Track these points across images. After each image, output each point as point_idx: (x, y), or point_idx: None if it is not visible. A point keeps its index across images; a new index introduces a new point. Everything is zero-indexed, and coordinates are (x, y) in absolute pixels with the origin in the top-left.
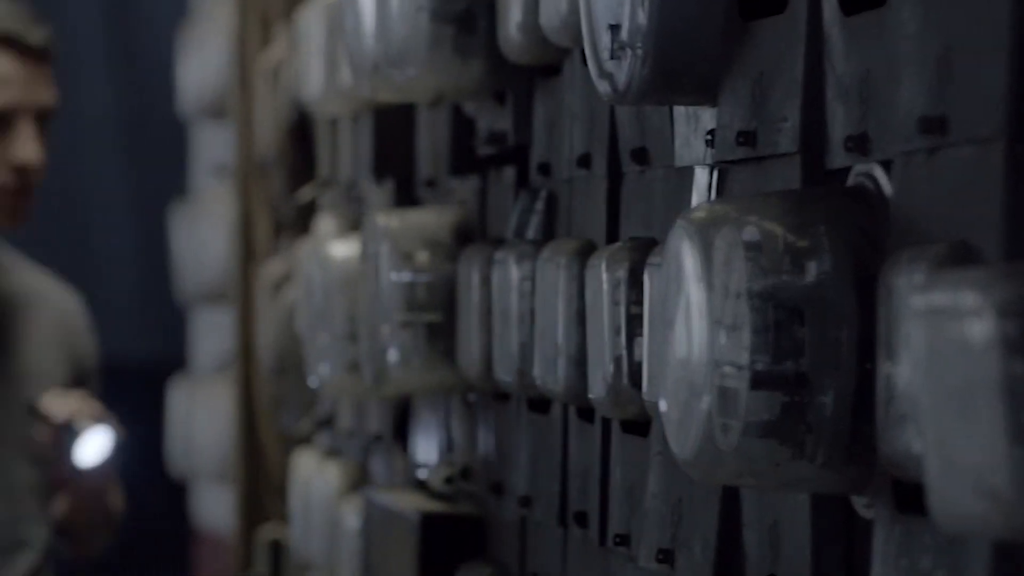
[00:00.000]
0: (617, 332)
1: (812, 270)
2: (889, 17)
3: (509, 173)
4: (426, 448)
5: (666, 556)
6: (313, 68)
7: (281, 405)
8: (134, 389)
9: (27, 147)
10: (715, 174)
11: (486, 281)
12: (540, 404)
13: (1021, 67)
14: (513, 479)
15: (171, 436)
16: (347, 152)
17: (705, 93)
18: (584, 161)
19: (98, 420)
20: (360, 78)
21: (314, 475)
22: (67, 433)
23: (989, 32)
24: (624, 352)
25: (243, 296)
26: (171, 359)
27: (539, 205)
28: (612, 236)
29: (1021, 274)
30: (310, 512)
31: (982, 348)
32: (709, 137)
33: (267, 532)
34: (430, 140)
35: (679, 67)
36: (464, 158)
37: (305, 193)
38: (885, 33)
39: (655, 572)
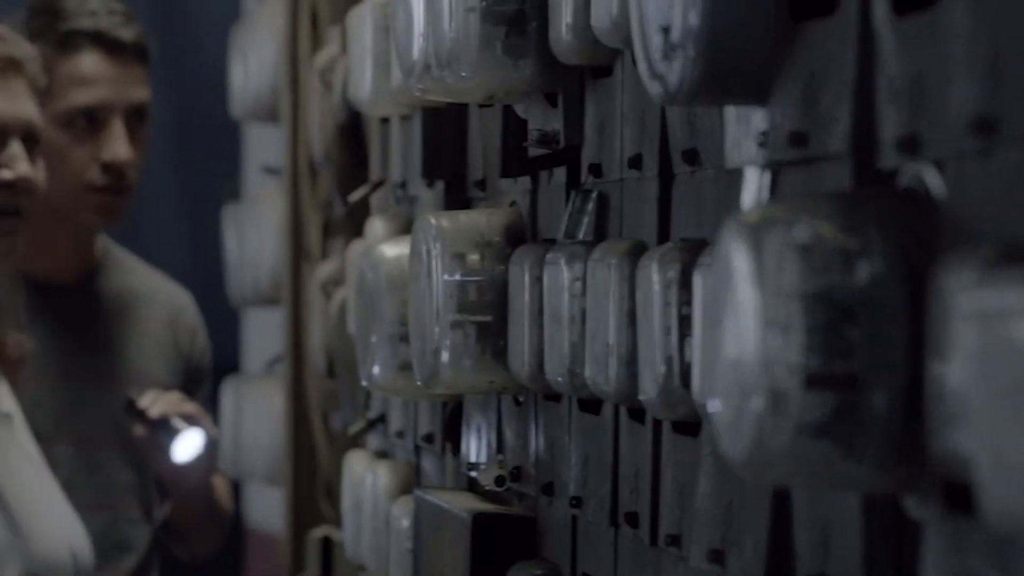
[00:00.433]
0: (668, 333)
1: (863, 271)
2: (940, 17)
3: (560, 174)
4: (477, 448)
5: (717, 556)
6: (364, 69)
7: (332, 406)
8: None
9: (116, 145)
10: (766, 175)
11: (537, 282)
12: (591, 404)
13: None
14: (564, 479)
15: (223, 437)
16: (398, 153)
17: (756, 94)
18: (635, 162)
19: (193, 419)
20: (410, 79)
21: (365, 476)
22: (162, 431)
23: None
24: (675, 353)
25: (294, 297)
26: (223, 360)
27: (590, 206)
28: (663, 237)
29: None
30: (361, 512)
31: None
32: (760, 138)
33: (318, 533)
34: (481, 141)
35: (730, 68)
36: (515, 159)
37: (356, 194)
38: (936, 33)
39: (706, 572)
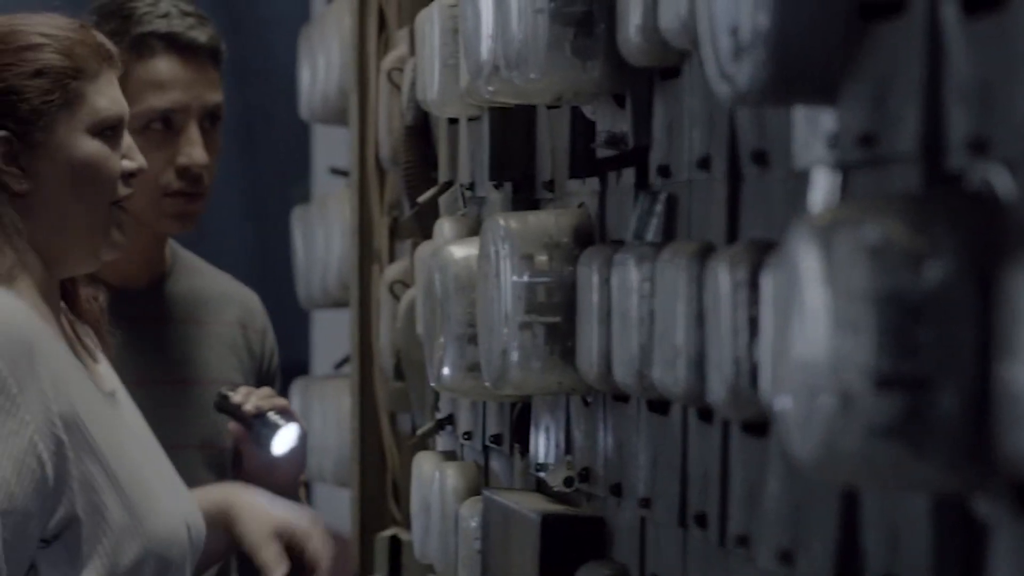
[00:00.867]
0: (737, 333)
1: (933, 272)
2: (1010, 17)
3: (628, 175)
4: (545, 449)
5: (786, 557)
6: (432, 70)
7: (400, 407)
8: None
9: (192, 149)
10: (835, 176)
11: (606, 283)
12: (659, 405)
13: None
14: (632, 480)
15: None
16: (466, 154)
17: (825, 95)
18: (704, 163)
19: (287, 413)
20: (478, 80)
21: (433, 476)
22: (260, 425)
23: None
24: (744, 353)
25: (362, 299)
26: (291, 362)
27: (659, 207)
28: (732, 238)
29: None
30: (430, 513)
31: None
32: (829, 139)
33: (386, 533)
34: (549, 142)
35: (799, 69)
36: (584, 160)
37: (424, 196)
38: (1006, 33)
39: (774, 573)
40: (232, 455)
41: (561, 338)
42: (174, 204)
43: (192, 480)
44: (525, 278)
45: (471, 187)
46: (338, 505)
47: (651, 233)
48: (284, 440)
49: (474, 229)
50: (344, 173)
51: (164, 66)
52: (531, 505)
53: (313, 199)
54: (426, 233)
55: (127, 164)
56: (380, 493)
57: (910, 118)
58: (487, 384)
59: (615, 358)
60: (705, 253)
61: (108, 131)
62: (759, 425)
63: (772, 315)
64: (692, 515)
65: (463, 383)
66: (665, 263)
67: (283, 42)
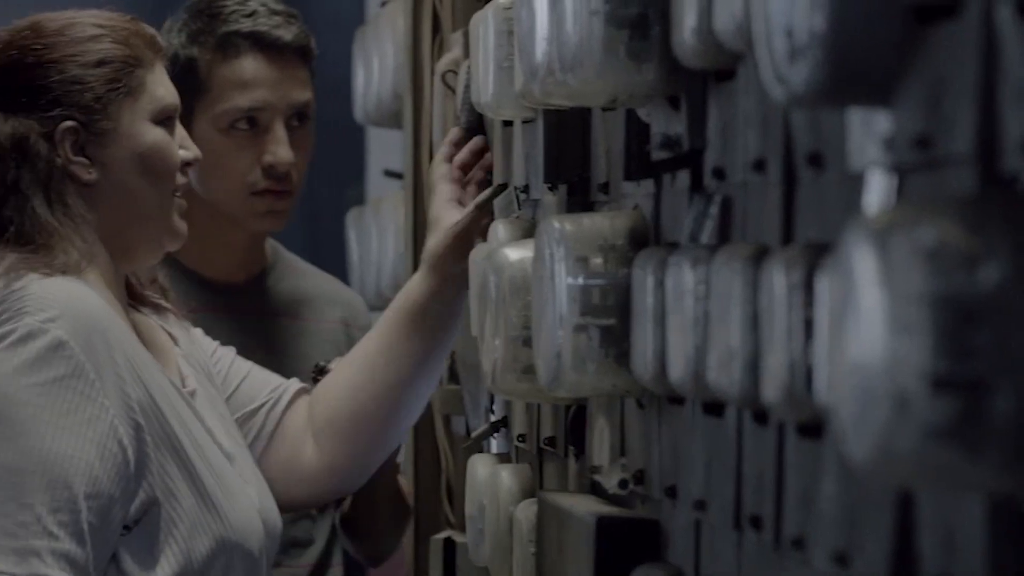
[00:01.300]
0: (792, 336)
1: (989, 273)
2: None
3: (683, 177)
4: (600, 451)
5: (841, 559)
6: (486, 73)
7: (455, 409)
8: None
9: (278, 148)
10: (890, 178)
11: (660, 285)
12: (714, 407)
13: None
14: (687, 482)
15: None
16: (520, 157)
17: (880, 97)
18: (759, 165)
19: None
20: (533, 82)
21: (488, 479)
22: None
23: None
24: (799, 355)
25: None
26: None
27: (713, 209)
28: (787, 240)
29: None
30: (484, 516)
31: None
32: (884, 141)
33: (441, 535)
34: (604, 144)
35: (855, 71)
36: (638, 162)
37: (479, 198)
38: None
39: (830, 575)
40: None
41: (616, 340)
42: (262, 203)
43: None
44: (580, 280)
45: (526, 189)
46: None
47: (706, 235)
48: None
49: (529, 231)
50: (398, 176)
51: (249, 65)
52: (586, 507)
53: (367, 202)
54: (481, 235)
55: (184, 154)
56: (434, 495)
57: (965, 120)
58: (542, 386)
59: (670, 360)
60: (760, 255)
61: (167, 120)
62: (814, 427)
63: (827, 317)
64: (747, 517)
65: (518, 385)
66: (720, 265)
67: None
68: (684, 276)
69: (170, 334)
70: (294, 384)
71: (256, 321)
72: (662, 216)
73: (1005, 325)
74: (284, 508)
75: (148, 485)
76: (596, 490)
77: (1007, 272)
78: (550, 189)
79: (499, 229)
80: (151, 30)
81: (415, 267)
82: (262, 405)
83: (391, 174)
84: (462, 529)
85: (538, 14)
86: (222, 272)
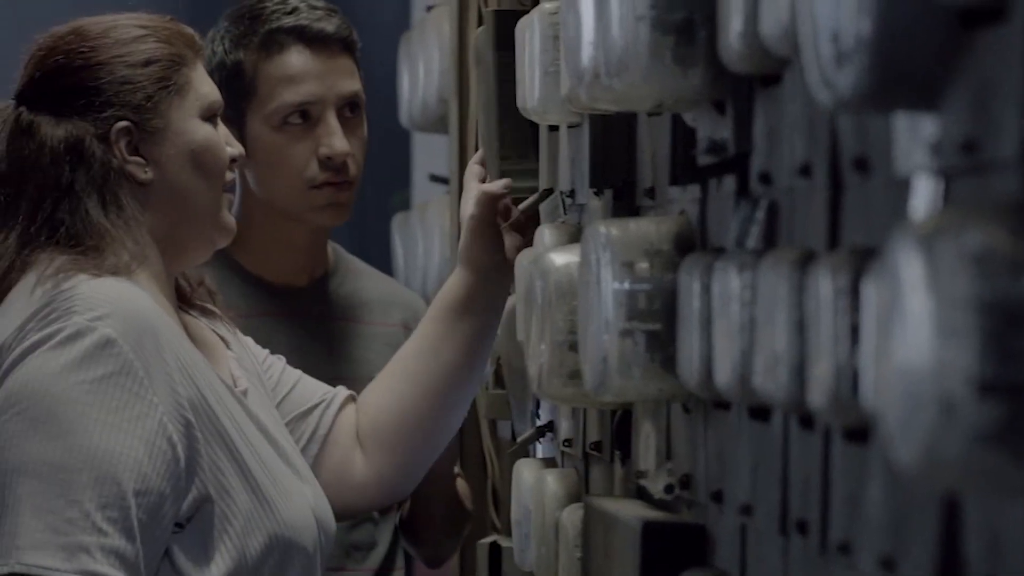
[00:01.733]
0: (838, 340)
1: None
2: None
3: (729, 182)
4: (646, 456)
5: (887, 564)
6: (532, 77)
7: (500, 414)
8: None
9: (332, 139)
10: (937, 182)
11: (706, 290)
12: (760, 412)
13: None
14: (733, 487)
15: None
16: (566, 161)
17: (927, 101)
18: (805, 170)
19: None
20: (579, 87)
21: (534, 483)
22: None
23: None
24: (845, 360)
25: None
26: None
27: (759, 214)
28: (833, 245)
29: None
30: (530, 520)
31: None
32: (931, 146)
33: (486, 540)
34: (650, 149)
35: (901, 75)
36: (684, 167)
37: (525, 203)
38: None
39: None
40: None
41: (662, 345)
42: (322, 195)
43: None
44: (626, 285)
45: (571, 194)
46: None
47: (752, 240)
48: None
49: (575, 236)
50: (444, 180)
51: (295, 59)
52: (632, 512)
53: (413, 206)
54: (527, 240)
55: (230, 150)
56: (480, 500)
57: (1012, 124)
58: (588, 391)
59: (716, 365)
60: (806, 260)
61: (213, 117)
62: (860, 432)
63: (874, 322)
64: (793, 522)
65: (564, 390)
66: (766, 270)
67: (383, 50)
68: (730, 281)
69: (220, 336)
70: (342, 391)
71: (316, 324)
72: (708, 221)
73: None
74: (338, 516)
75: (200, 482)
76: (642, 495)
77: None
78: (596, 194)
79: (545, 234)
80: (190, 30)
81: None
82: (315, 406)
83: (437, 179)
84: (508, 534)
85: (584, 19)
86: (285, 275)
